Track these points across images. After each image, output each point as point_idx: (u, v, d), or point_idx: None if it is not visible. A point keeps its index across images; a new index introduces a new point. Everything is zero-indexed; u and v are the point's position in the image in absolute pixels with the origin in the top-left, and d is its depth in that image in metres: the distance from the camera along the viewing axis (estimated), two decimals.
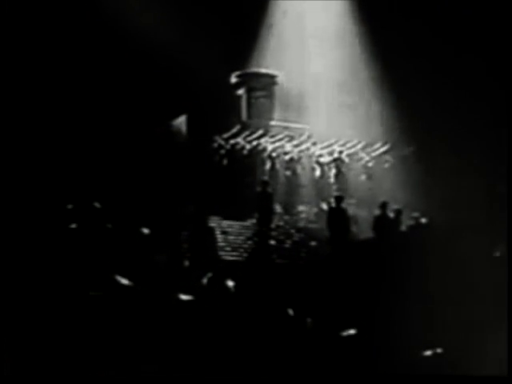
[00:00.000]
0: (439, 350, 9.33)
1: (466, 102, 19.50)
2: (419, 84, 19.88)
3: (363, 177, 20.27)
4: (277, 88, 21.68)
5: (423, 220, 16.71)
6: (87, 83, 18.27)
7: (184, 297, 10.03)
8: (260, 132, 20.63)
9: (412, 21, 20.09)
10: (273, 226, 17.87)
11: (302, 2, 21.70)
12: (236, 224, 18.38)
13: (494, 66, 19.24)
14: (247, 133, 20.61)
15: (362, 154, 20.61)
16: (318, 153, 20.40)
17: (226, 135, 20.30)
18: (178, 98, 19.87)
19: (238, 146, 20.21)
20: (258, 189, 17.54)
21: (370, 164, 20.45)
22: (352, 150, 20.59)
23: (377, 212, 17.01)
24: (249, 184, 19.01)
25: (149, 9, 19.18)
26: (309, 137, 20.63)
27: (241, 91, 21.64)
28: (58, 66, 18.02)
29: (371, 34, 21.08)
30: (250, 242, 17.77)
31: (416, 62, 20.08)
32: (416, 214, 16.76)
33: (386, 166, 20.48)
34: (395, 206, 17.13)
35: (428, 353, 9.39)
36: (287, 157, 20.05)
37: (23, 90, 17.03)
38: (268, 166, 19.95)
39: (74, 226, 11.98)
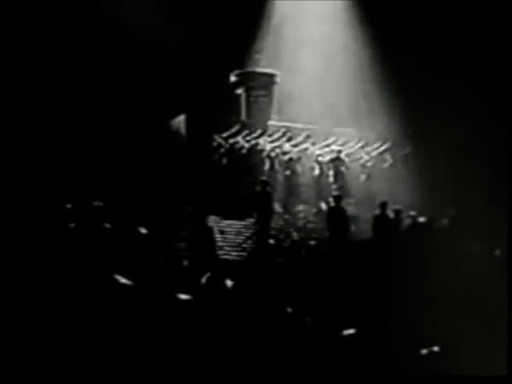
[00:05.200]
0: (439, 350, 9.32)
1: (467, 101, 19.48)
2: (420, 83, 19.88)
3: (362, 176, 20.25)
4: (276, 87, 21.71)
5: (421, 219, 16.73)
6: (86, 83, 18.26)
7: (183, 296, 10.02)
8: (259, 131, 20.65)
9: (413, 19, 20.08)
10: (272, 225, 17.89)
11: (301, 1, 21.74)
12: (235, 223, 18.41)
13: (495, 63, 19.24)
14: (246, 132, 20.63)
15: (362, 154, 20.61)
16: (317, 152, 20.42)
17: (225, 134, 20.31)
18: (177, 97, 19.86)
19: (238, 146, 20.22)
20: (257, 188, 17.54)
21: (370, 163, 20.45)
22: (351, 150, 20.60)
23: (376, 211, 17.02)
24: (248, 183, 19.02)
25: (148, 9, 19.17)
26: (308, 136, 20.65)
27: (240, 90, 21.64)
28: (58, 66, 18.01)
29: (372, 34, 21.09)
30: (249, 242, 17.80)
31: (417, 60, 20.07)
32: (413, 213, 16.77)
33: (386, 165, 20.48)
34: (395, 206, 17.14)
35: (427, 353, 9.37)
36: (286, 156, 20.08)
37: (23, 90, 17.03)
38: (267, 165, 19.98)
39: (72, 225, 11.97)
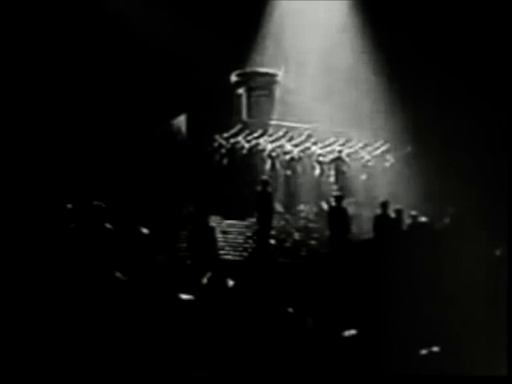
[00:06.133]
0: (439, 350, 9.32)
1: (468, 101, 19.47)
2: (421, 83, 19.86)
3: (364, 176, 20.25)
4: (277, 87, 21.69)
5: (422, 219, 16.72)
6: (87, 82, 18.26)
7: (184, 296, 10.02)
8: (260, 131, 20.63)
9: (415, 18, 20.06)
10: (273, 225, 17.88)
11: (302, 1, 21.72)
12: (236, 223, 18.41)
13: (496, 64, 19.23)
14: (247, 132, 20.62)
15: (363, 153, 20.60)
16: (318, 152, 20.40)
17: (226, 134, 20.30)
18: (178, 97, 19.87)
19: (239, 146, 20.21)
20: (258, 188, 17.55)
21: (371, 163, 20.43)
22: (352, 150, 20.59)
23: (377, 211, 17.02)
24: (249, 183, 19.02)
25: (149, 8, 19.18)
26: (309, 136, 20.64)
27: (241, 90, 21.63)
28: (58, 65, 18.02)
29: (373, 33, 21.07)
30: (249, 242, 17.80)
31: (419, 60, 20.05)
32: (414, 213, 16.77)
33: (387, 165, 20.47)
34: (396, 206, 17.14)
35: (428, 352, 9.38)
36: (287, 156, 20.06)
37: (23, 90, 17.03)
38: (268, 165, 19.96)
39: (73, 225, 11.98)
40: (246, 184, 19.18)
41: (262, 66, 21.57)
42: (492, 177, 17.44)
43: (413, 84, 20.01)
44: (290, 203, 19.59)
